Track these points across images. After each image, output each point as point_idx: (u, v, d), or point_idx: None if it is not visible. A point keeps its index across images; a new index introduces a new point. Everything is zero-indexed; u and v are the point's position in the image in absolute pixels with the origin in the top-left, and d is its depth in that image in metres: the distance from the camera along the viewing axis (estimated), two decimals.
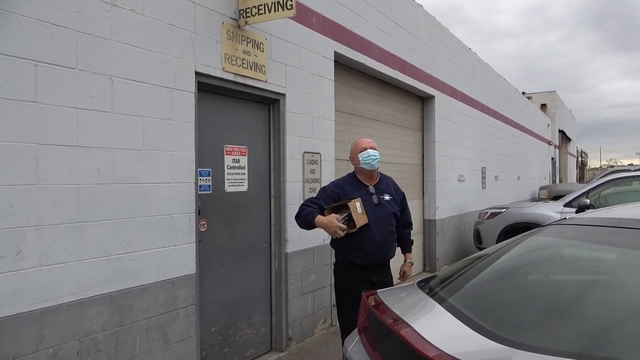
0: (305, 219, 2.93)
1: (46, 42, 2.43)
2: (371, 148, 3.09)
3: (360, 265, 3.01)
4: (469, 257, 2.50)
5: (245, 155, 3.78)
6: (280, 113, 4.03)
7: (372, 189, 3.11)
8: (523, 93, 17.89)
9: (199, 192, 3.36)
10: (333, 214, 2.87)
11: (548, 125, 19.14)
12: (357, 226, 2.88)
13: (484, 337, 1.56)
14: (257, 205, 3.93)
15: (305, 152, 4.27)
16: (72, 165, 2.53)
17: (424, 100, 7.25)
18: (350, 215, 2.87)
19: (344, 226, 2.82)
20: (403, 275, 3.25)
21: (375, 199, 3.07)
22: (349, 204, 2.89)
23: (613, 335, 1.51)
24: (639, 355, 1.37)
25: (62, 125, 2.49)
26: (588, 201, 6.69)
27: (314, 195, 3.89)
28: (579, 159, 33.27)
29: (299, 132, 4.21)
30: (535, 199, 14.25)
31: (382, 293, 2.16)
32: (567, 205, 7.18)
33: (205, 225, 3.45)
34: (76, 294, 2.55)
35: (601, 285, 1.84)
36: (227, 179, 3.64)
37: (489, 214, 7.87)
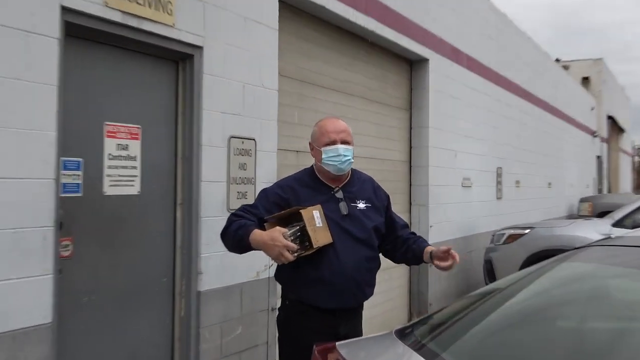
0: (235, 236, 2.92)
1: None
2: (343, 142, 3.10)
3: (321, 310, 3.02)
4: (473, 294, 2.58)
5: (137, 139, 3.77)
6: (194, 76, 4.04)
7: (339, 194, 3.13)
8: (557, 60, 18.73)
9: (62, 195, 3.32)
10: (278, 228, 2.86)
11: (592, 109, 20.14)
12: (315, 246, 2.89)
13: None
14: (154, 216, 3.91)
15: (232, 137, 4.29)
16: None
17: (413, 65, 7.45)
18: (304, 230, 2.87)
19: (295, 246, 2.81)
20: (449, 261, 3.01)
21: (343, 207, 3.10)
22: (302, 212, 2.90)
23: None
24: None
25: None
26: None
27: (248, 202, 3.90)
28: (637, 158, 35.01)
29: (223, 105, 4.23)
30: (574, 216, 14.92)
31: (344, 347, 2.21)
32: (617, 224, 7.58)
33: (71, 247, 3.42)
34: None
35: None
36: (108, 175, 3.61)
37: (506, 236, 8.16)
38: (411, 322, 2.40)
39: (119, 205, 3.68)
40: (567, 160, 15.83)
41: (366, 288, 3.11)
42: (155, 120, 3.91)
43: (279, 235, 2.78)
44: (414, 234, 3.34)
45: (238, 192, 4.35)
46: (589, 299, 2.35)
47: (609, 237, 2.80)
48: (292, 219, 2.93)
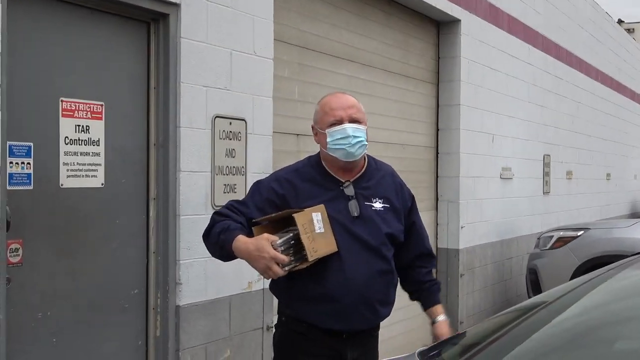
0: (218, 241, 2.92)
1: None
2: (352, 121, 3.04)
3: (323, 331, 3.01)
4: (512, 309, 2.58)
5: (100, 118, 3.76)
6: (169, 41, 4.03)
7: (349, 190, 3.08)
8: (619, 22, 18.60)
9: (9, 188, 3.32)
10: (266, 235, 2.82)
11: None
12: (312, 259, 2.86)
13: None
14: (122, 214, 3.91)
15: (217, 117, 4.29)
16: None
17: (442, 28, 7.43)
18: (298, 238, 2.84)
19: (285, 258, 2.78)
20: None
21: (354, 207, 3.05)
22: (295, 216, 2.86)
23: None
24: None
25: None
26: None
27: (238, 196, 3.89)
28: None
29: (206, 78, 4.22)
30: (637, 214, 14.88)
31: None
32: None
33: (21, 252, 3.41)
34: None
35: None
36: (65, 164, 3.60)
37: (554, 239, 8.15)
38: (437, 342, 2.40)
39: (79, 200, 3.67)
40: (631, 147, 15.78)
41: (380, 307, 3.07)
42: (121, 96, 3.90)
43: (266, 244, 2.75)
44: (429, 272, 3.31)
45: (225, 184, 4.34)
46: None
47: None
48: (287, 222, 2.91)
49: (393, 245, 3.13)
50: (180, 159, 4.06)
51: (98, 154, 3.75)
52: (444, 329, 3.14)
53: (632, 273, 2.65)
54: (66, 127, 3.60)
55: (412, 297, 3.34)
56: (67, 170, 3.61)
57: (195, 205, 4.13)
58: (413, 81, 6.98)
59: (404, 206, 3.20)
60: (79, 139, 3.65)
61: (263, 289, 4.59)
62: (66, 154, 3.60)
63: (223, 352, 4.37)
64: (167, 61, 4.04)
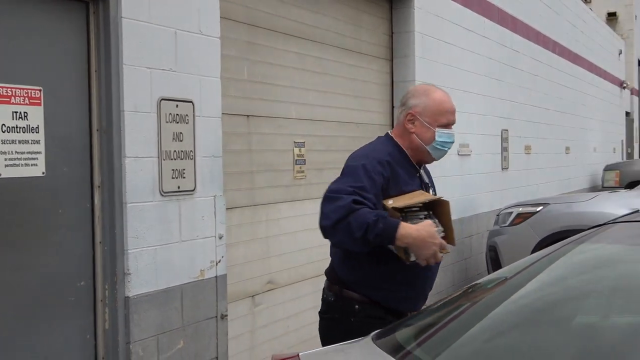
0: (374, 229, 2.97)
1: None
2: (454, 124, 3.39)
3: (398, 313, 3.23)
4: (470, 286, 2.60)
5: (38, 104, 3.72)
6: (110, 20, 3.98)
7: (423, 177, 3.45)
8: None
9: None
10: (429, 222, 3.08)
11: (620, 53, 20.36)
12: (454, 242, 3.28)
13: None
14: (65, 204, 3.88)
15: (163, 100, 4.26)
16: None
17: (394, 2, 7.43)
18: (442, 221, 3.20)
19: (447, 244, 3.12)
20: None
21: (431, 194, 3.43)
22: (442, 199, 3.22)
23: None
24: None
25: None
26: None
27: (186, 181, 3.93)
28: None
29: (149, 59, 4.18)
30: (597, 188, 15.16)
31: (310, 358, 2.21)
32: None
33: None
34: None
35: None
36: (2, 153, 3.56)
37: (514, 215, 8.26)
38: (392, 325, 2.41)
39: (19, 190, 3.64)
40: (589, 119, 16.04)
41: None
42: (61, 80, 3.85)
43: (435, 232, 3.04)
44: None
45: (173, 169, 4.31)
46: (613, 289, 2.38)
47: (637, 212, 2.84)
48: (418, 205, 3.16)
49: None
50: (125, 145, 4.02)
51: (38, 142, 3.70)
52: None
53: (589, 247, 2.70)
54: (2, 114, 3.54)
55: None
56: (5, 159, 3.55)
57: (142, 192, 4.11)
58: (366, 58, 6.98)
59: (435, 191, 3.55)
60: (16, 126, 3.59)
61: (216, 276, 4.60)
62: (3, 142, 3.54)
63: (176, 343, 4.37)
64: (108, 43, 3.99)
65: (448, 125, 3.32)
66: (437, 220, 3.15)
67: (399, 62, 7.46)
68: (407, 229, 2.99)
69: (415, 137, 3.30)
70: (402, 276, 3.19)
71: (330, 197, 3.10)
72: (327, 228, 3.07)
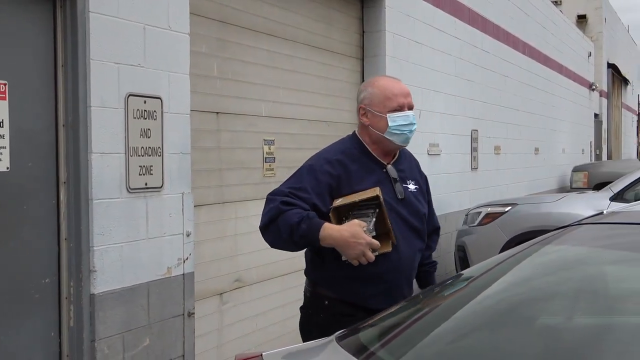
0: (297, 230, 2.99)
1: None
2: (409, 107, 3.30)
3: (370, 311, 3.12)
4: (433, 287, 2.62)
5: (3, 98, 3.69)
6: (77, 15, 3.95)
7: (392, 172, 3.33)
8: None
9: None
10: (357, 221, 3.01)
11: (589, 55, 20.58)
12: (394, 241, 3.14)
13: None
14: (30, 199, 3.85)
15: (130, 96, 4.24)
16: None
17: (365, 1, 7.44)
18: (381, 218, 3.05)
19: (378, 243, 3.00)
20: None
21: (399, 189, 3.30)
22: (379, 194, 3.06)
23: None
24: None
25: None
26: None
27: (154, 178, 3.89)
28: None
29: (117, 54, 4.16)
30: (565, 188, 15.31)
31: (272, 358, 2.21)
32: (616, 197, 7.80)
33: None
34: None
35: None
36: None
37: (482, 215, 8.32)
38: (356, 325, 2.42)
39: None
40: (558, 121, 16.20)
41: (411, 287, 3.36)
42: (27, 74, 3.82)
43: (360, 231, 2.96)
44: (430, 255, 3.66)
45: (140, 166, 4.29)
46: (578, 291, 2.41)
47: (601, 213, 2.88)
48: (361, 205, 3.10)
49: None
50: (91, 140, 4.00)
51: (2, 136, 3.67)
52: None
53: (554, 248, 2.72)
54: None
55: (418, 281, 3.62)
56: None
57: (108, 188, 4.09)
58: (337, 56, 6.99)
59: (425, 188, 3.55)
60: None
61: (183, 274, 4.59)
62: None
63: (142, 341, 4.35)
64: (75, 37, 3.96)
65: (401, 108, 3.26)
66: (372, 219, 3.06)
67: (369, 61, 7.48)
68: (328, 230, 2.99)
69: (371, 129, 3.29)
70: (366, 273, 3.15)
71: (267, 199, 3.16)
72: (261, 230, 3.15)
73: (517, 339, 2.17)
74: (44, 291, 3.94)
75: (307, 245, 3.12)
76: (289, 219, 3.01)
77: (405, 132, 3.25)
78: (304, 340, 3.23)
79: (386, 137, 3.25)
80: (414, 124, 3.28)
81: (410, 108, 3.30)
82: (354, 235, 2.95)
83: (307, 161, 3.30)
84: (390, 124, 3.22)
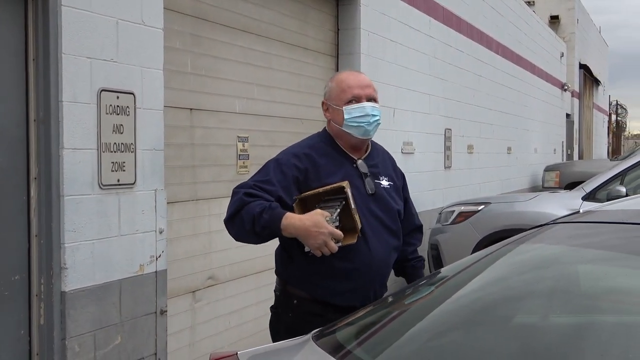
0: (259, 221, 2.97)
1: None
2: (369, 99, 3.25)
3: (340, 309, 3.10)
4: (409, 287, 2.63)
5: None
6: (49, 9, 3.92)
7: (362, 167, 3.30)
8: None
9: None
10: (319, 211, 2.99)
11: (562, 55, 20.79)
12: (358, 232, 3.09)
13: None
14: (0, 196, 3.83)
15: (103, 91, 4.22)
16: None
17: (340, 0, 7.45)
18: (346, 209, 3.02)
19: (341, 233, 2.96)
20: None
21: (369, 184, 3.28)
22: (345, 186, 3.04)
23: None
24: None
25: None
26: (624, 190, 7.38)
27: (126, 174, 3.84)
28: (614, 117, 36.52)
29: (90, 49, 4.14)
30: (538, 188, 15.46)
31: (247, 357, 2.20)
32: (588, 197, 7.87)
33: None
34: None
35: None
36: None
37: (456, 214, 8.37)
38: (333, 324, 2.42)
39: None
40: (531, 120, 16.35)
41: (384, 285, 3.34)
42: None
43: (322, 220, 2.92)
44: (415, 251, 3.59)
45: (113, 162, 4.27)
46: (552, 290, 2.42)
47: (577, 212, 2.91)
48: (327, 197, 3.09)
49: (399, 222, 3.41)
50: (63, 136, 3.97)
51: None
52: None
53: (529, 247, 2.74)
54: None
55: (397, 274, 3.61)
56: None
57: (80, 184, 4.06)
58: (312, 54, 7.00)
59: (401, 184, 3.50)
60: None
61: (156, 272, 4.57)
62: None
63: (113, 338, 4.33)
64: (46, 31, 3.93)
65: (357, 99, 3.21)
66: (337, 210, 3.02)
67: (344, 58, 7.49)
68: (290, 220, 2.97)
69: (332, 123, 3.29)
70: (336, 269, 3.14)
71: (232, 193, 3.16)
72: (225, 222, 3.14)
73: (493, 337, 2.18)
74: (14, 288, 3.91)
75: (270, 237, 3.07)
76: (251, 210, 2.99)
77: (362, 124, 3.19)
78: (274, 341, 3.23)
79: (344, 130, 3.23)
80: (373, 115, 3.21)
81: (370, 100, 3.24)
82: (315, 224, 2.92)
83: (276, 156, 3.30)
84: (345, 116, 3.20)
